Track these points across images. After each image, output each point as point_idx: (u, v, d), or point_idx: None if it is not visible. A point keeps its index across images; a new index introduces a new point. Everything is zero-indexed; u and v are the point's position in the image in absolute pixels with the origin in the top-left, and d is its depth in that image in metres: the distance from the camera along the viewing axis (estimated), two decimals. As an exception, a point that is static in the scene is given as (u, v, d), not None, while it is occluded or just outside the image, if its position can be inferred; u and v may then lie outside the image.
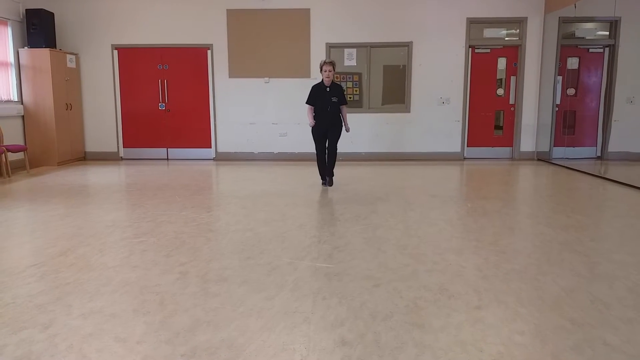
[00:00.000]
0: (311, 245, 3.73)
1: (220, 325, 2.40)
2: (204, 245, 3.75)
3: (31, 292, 2.82)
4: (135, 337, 2.29)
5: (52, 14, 8.21)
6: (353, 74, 8.74)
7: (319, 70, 5.83)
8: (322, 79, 5.81)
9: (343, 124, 5.99)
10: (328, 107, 5.79)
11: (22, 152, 7.50)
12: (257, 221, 4.46)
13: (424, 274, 3.09)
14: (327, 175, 6.07)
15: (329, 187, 6.02)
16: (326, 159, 6.03)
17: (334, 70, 5.81)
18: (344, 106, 5.95)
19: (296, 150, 8.90)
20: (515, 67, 8.76)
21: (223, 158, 9.03)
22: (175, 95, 8.91)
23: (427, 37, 8.61)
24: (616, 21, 7.12)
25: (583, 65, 8.01)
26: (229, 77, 8.79)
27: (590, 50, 7.95)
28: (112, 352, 2.16)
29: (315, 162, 6.26)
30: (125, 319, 2.47)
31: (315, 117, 5.87)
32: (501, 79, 8.86)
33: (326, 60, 5.77)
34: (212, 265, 3.29)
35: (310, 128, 5.92)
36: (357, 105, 8.84)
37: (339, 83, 6.05)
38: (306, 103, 5.94)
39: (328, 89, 5.80)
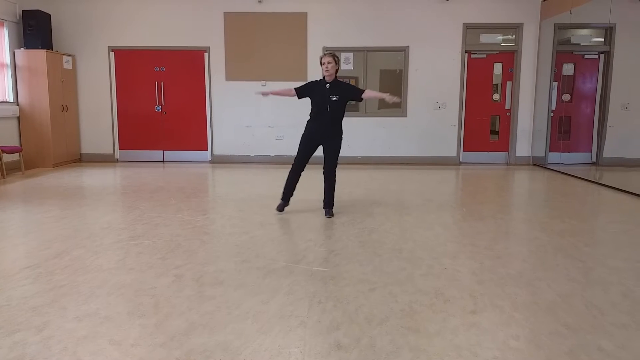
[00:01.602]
0: (307, 248, 3.73)
1: (216, 329, 2.39)
2: (199, 248, 3.74)
3: (25, 294, 2.80)
4: (130, 340, 2.28)
5: (49, 15, 8.19)
6: (350, 78, 8.76)
7: (320, 65, 4.75)
8: (323, 75, 4.73)
9: (379, 95, 4.75)
10: (327, 106, 4.65)
11: (18, 154, 7.46)
12: (252, 224, 4.46)
13: (419, 278, 3.09)
14: (325, 206, 4.89)
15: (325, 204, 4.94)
16: (324, 185, 4.90)
17: (337, 64, 4.66)
18: (367, 90, 4.81)
19: (292, 154, 8.82)
20: (511, 73, 8.80)
21: (219, 161, 9.02)
22: (172, 98, 8.90)
23: (424, 42, 8.64)
24: (611, 28, 7.17)
25: (578, 71, 8.07)
26: (226, 79, 8.79)
27: (586, 56, 8.00)
28: (106, 355, 2.15)
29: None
30: (120, 322, 2.46)
31: (310, 121, 4.85)
32: (497, 84, 8.90)
33: (326, 52, 4.79)
34: (207, 268, 3.28)
35: (303, 136, 4.88)
36: (354, 109, 8.85)
37: (345, 81, 4.99)
38: (294, 88, 4.90)
39: (328, 86, 4.68)
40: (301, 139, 4.86)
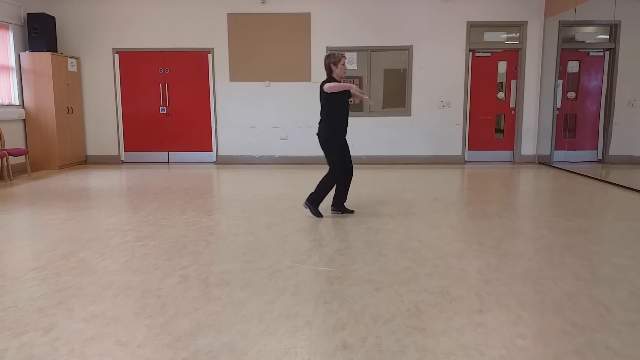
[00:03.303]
0: (312, 248, 3.73)
1: (222, 329, 2.40)
2: (205, 248, 3.74)
3: (32, 296, 2.81)
4: (137, 341, 2.29)
5: (54, 18, 8.23)
6: (354, 77, 8.75)
7: (332, 65, 4.57)
8: (337, 77, 4.58)
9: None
10: (348, 109, 4.67)
11: (24, 156, 7.50)
12: (258, 225, 4.46)
13: (425, 278, 3.08)
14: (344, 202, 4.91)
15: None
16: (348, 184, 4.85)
17: None
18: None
19: (297, 154, 8.91)
20: (515, 71, 8.76)
21: (224, 161, 9.04)
22: (176, 99, 8.93)
23: (428, 41, 8.62)
24: (616, 25, 7.13)
25: (583, 68, 8.02)
26: (230, 80, 8.80)
27: (591, 53, 7.96)
28: (113, 356, 2.15)
29: (323, 187, 4.71)
30: (126, 323, 2.47)
31: (336, 128, 4.60)
32: (502, 83, 8.87)
33: (338, 52, 4.65)
34: (213, 268, 3.28)
35: (337, 145, 4.61)
36: (358, 108, 8.85)
37: (349, 81, 4.76)
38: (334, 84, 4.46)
39: None
40: (336, 152, 4.62)
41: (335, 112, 4.57)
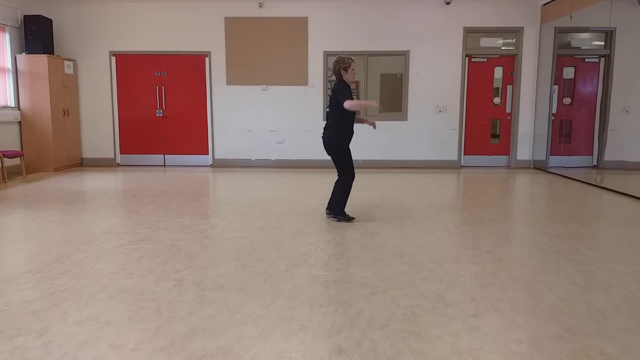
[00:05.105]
0: (308, 252, 3.72)
1: (216, 333, 2.39)
2: (200, 252, 3.74)
3: (26, 299, 2.80)
4: (131, 344, 2.28)
5: (50, 20, 8.22)
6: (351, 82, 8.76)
7: (343, 71, 4.57)
8: (347, 82, 4.60)
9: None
10: (354, 115, 4.66)
11: (19, 158, 7.47)
12: (253, 228, 4.45)
13: (420, 282, 3.09)
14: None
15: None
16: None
17: None
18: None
19: (293, 158, 8.91)
20: (511, 76, 8.81)
21: (220, 165, 9.03)
22: (173, 102, 8.92)
23: (424, 46, 8.66)
24: (611, 31, 7.18)
25: (579, 74, 8.07)
26: (227, 84, 8.81)
27: (586, 60, 8.01)
28: (107, 359, 2.14)
29: (345, 193, 4.74)
30: (120, 326, 2.46)
31: (344, 131, 4.60)
32: (498, 88, 8.91)
33: (351, 58, 4.61)
34: (208, 272, 3.27)
35: (346, 149, 4.62)
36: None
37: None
38: (349, 99, 4.42)
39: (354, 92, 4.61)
40: (349, 154, 4.63)
41: (347, 115, 4.57)
